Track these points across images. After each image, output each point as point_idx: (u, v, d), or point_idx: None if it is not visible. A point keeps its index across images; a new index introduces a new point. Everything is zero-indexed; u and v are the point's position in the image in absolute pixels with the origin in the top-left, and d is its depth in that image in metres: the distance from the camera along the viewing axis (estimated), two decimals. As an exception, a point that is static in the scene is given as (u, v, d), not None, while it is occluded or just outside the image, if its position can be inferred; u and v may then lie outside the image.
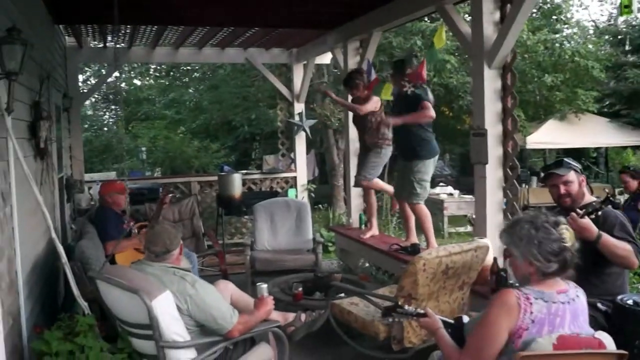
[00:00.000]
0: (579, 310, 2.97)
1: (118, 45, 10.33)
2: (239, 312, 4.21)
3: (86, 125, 27.63)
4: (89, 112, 29.14)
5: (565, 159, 4.44)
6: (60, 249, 4.43)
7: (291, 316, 4.75)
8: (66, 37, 9.62)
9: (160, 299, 3.67)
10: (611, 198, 4.02)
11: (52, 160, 6.25)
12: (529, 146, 17.53)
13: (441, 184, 16.53)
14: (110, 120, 31.57)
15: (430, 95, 6.47)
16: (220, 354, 3.99)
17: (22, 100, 4.91)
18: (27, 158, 5.05)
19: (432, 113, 6.32)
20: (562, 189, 4.26)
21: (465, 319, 3.35)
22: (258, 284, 4.45)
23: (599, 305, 4.02)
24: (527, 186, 15.73)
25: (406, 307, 3.30)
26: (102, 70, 21.14)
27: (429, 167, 6.58)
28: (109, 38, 9.69)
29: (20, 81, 4.63)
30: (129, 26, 8.77)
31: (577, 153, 19.72)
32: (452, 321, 3.37)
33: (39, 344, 3.78)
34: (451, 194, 14.90)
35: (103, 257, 5.38)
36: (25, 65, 3.86)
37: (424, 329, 4.10)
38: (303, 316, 4.76)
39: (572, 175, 4.25)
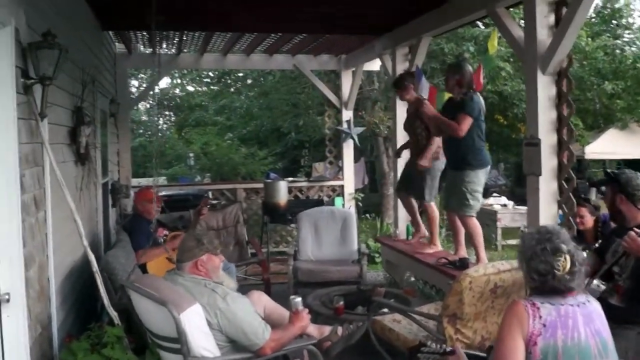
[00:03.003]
0: (593, 314, 2.86)
1: (168, 52, 10.37)
2: (272, 325, 4.08)
3: (141, 130, 27.95)
4: (144, 118, 29.46)
5: (617, 171, 4.20)
6: (92, 256, 4.35)
7: (327, 330, 4.55)
8: (116, 43, 9.67)
9: (189, 312, 3.55)
10: None
11: (93, 165, 6.20)
12: (587, 156, 17.05)
13: (495, 194, 16.17)
14: (164, 125, 31.88)
15: (477, 106, 6.12)
16: (252, 371, 3.84)
17: (62, 105, 4.89)
18: (67, 163, 5.04)
19: (462, 131, 6.02)
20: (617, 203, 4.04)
21: None
22: (292, 297, 4.29)
23: None
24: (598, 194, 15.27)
25: (431, 344, 3.14)
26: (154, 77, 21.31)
27: (481, 177, 6.22)
28: (158, 44, 9.68)
29: (60, 86, 4.62)
30: (177, 33, 8.76)
31: (639, 164, 19.06)
32: (484, 354, 3.28)
33: (66, 354, 3.71)
34: (505, 205, 14.54)
35: (131, 267, 5.27)
36: (59, 70, 3.78)
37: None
38: (340, 330, 4.57)
39: (606, 190, 4.09)
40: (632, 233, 3.67)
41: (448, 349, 3.10)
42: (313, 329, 4.50)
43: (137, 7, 6.24)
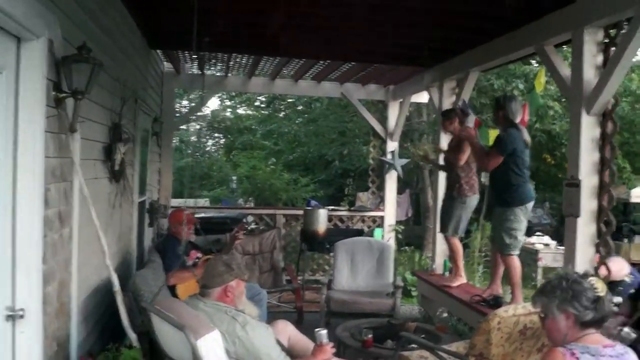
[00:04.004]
0: None
1: (215, 73, 10.44)
2: (295, 356, 4.00)
3: (189, 151, 28.23)
4: (193, 138, 29.76)
5: None
6: (114, 276, 4.30)
7: (351, 365, 4.46)
8: (165, 62, 9.75)
9: (207, 339, 3.47)
10: None
11: (129, 183, 6.20)
12: (633, 200, 16.74)
13: (538, 233, 15.92)
14: (213, 147, 32.15)
15: (513, 143, 5.92)
16: (269, 402, 3.72)
17: (98, 121, 4.88)
18: (100, 180, 5.04)
19: (486, 165, 6.00)
20: None
21: None
22: (317, 330, 4.17)
23: None
24: (629, 241, 14.95)
25: None
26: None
27: (519, 215, 6.00)
28: (206, 65, 9.75)
29: (96, 101, 4.62)
30: (225, 55, 8.80)
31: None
32: None
33: (81, 374, 3.65)
34: (547, 245, 14.32)
35: (157, 288, 5.21)
36: (93, 84, 3.76)
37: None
38: (363, 366, 4.47)
39: None
40: None
41: None
42: (336, 363, 4.38)
43: (183, 27, 6.27)
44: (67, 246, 4.03)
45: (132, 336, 4.22)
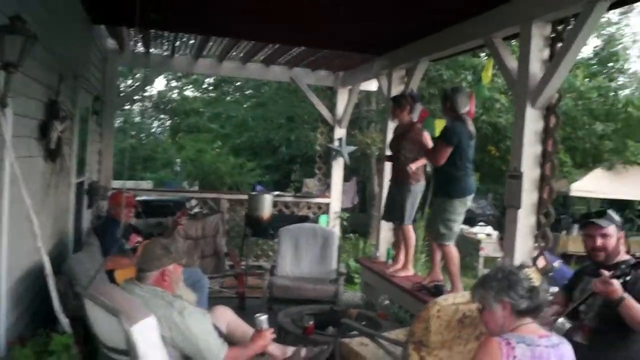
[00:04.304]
0: (565, 357, 2.84)
1: (163, 53, 10.19)
2: (234, 343, 3.92)
3: (133, 132, 27.77)
4: (138, 119, 29.28)
5: (609, 211, 4.12)
6: (45, 259, 4.14)
7: (290, 351, 4.38)
8: (109, 39, 9.47)
9: (142, 325, 3.35)
10: None
11: (66, 163, 5.99)
12: (573, 193, 17.37)
13: (481, 223, 16.18)
14: (158, 129, 31.70)
15: (458, 135, 5.98)
16: (207, 389, 3.63)
17: (33, 97, 4.68)
18: (34, 158, 4.84)
19: (438, 160, 6.00)
20: (599, 242, 3.97)
21: None
22: (257, 315, 4.10)
23: None
24: (567, 233, 15.30)
25: None
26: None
27: (458, 207, 6.12)
28: (152, 44, 9.51)
29: (31, 75, 4.42)
30: (171, 33, 8.59)
31: (622, 205, 19.28)
32: None
33: (8, 360, 3.50)
34: (489, 235, 14.56)
35: (94, 272, 5.05)
36: (26, 57, 3.59)
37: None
38: (303, 351, 4.39)
39: (611, 229, 3.96)
40: (605, 275, 3.62)
41: None
42: (276, 349, 4.33)
43: (127, 3, 6.06)
44: (-4, 227, 3.85)
45: (64, 321, 4.07)
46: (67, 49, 5.87)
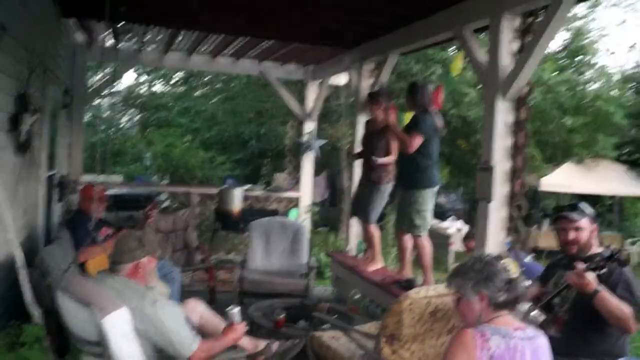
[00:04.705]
0: (540, 350, 2.85)
1: (130, 46, 10.12)
2: (206, 336, 3.93)
3: (103, 127, 27.47)
4: (106, 113, 28.97)
5: (581, 204, 4.15)
6: (17, 252, 4.13)
7: (262, 344, 4.40)
8: (78, 33, 9.39)
9: (114, 316, 3.37)
10: (616, 255, 3.70)
11: (36, 156, 5.95)
12: (543, 188, 17.28)
13: (452, 217, 16.22)
14: (128, 124, 31.41)
15: (428, 126, 6.12)
16: (179, 381, 3.64)
17: (2, 89, 4.64)
18: (3, 151, 4.80)
19: (411, 147, 6.04)
20: (571, 235, 4.00)
21: None
22: (228, 308, 4.11)
23: None
24: (538, 228, 15.35)
25: None
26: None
27: (427, 197, 6.23)
28: (121, 37, 9.44)
29: (1, 68, 4.38)
30: (140, 26, 8.54)
31: (591, 199, 19.30)
32: None
33: (-22, 352, 3.48)
34: (460, 229, 14.57)
35: (67, 265, 5.03)
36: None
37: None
38: (275, 345, 4.41)
39: (584, 222, 3.99)
40: (579, 268, 3.65)
41: None
42: (247, 342, 4.34)
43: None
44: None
45: (36, 313, 4.06)
46: (37, 41, 5.81)
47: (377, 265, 7.31)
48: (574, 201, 4.64)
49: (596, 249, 4.01)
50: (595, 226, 4.04)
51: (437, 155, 6.31)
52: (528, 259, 6.02)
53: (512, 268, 2.93)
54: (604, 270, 3.67)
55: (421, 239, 6.31)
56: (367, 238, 7.44)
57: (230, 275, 8.35)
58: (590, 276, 3.60)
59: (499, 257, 3.00)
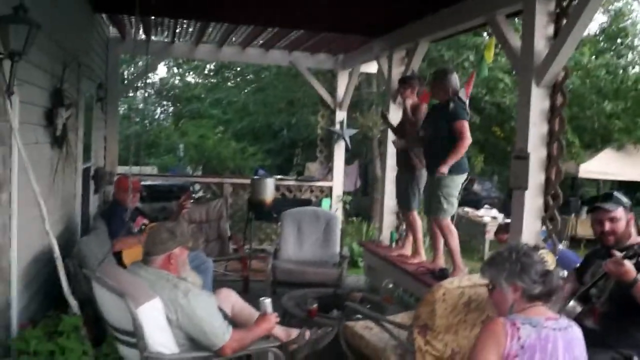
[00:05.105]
0: (574, 341, 2.79)
1: (162, 39, 10.23)
2: (239, 325, 3.97)
3: (137, 119, 27.73)
4: (141, 106, 29.23)
5: (616, 193, 4.07)
6: (54, 242, 4.22)
7: (295, 333, 4.43)
8: (110, 27, 9.52)
9: (147, 307, 3.42)
10: None
11: (72, 149, 6.06)
12: (581, 175, 16.87)
13: (486, 206, 16.06)
14: (161, 115, 31.71)
15: (467, 112, 6.11)
16: (212, 370, 3.70)
17: (38, 85, 4.74)
18: (41, 145, 4.91)
19: (468, 138, 5.97)
20: (607, 226, 3.91)
21: None
22: (261, 298, 4.16)
23: (636, 359, 3.64)
24: (576, 216, 15.08)
25: None
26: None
27: (457, 182, 6.19)
28: (152, 31, 9.54)
29: (36, 64, 4.48)
30: (171, 20, 8.62)
31: (632, 186, 18.94)
32: None
33: (19, 341, 3.56)
34: (495, 218, 14.42)
35: (103, 255, 5.12)
36: (31, 46, 3.64)
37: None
38: (307, 333, 4.44)
39: (619, 212, 3.90)
40: (617, 256, 3.57)
41: None
42: (280, 331, 4.37)
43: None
44: (6, 211, 3.93)
45: (73, 303, 4.15)
46: (70, 37, 5.92)
47: (421, 258, 7.23)
48: (610, 190, 4.55)
49: (635, 238, 3.92)
50: (631, 215, 3.95)
51: None
52: (560, 246, 5.94)
53: (549, 260, 2.91)
54: None
55: (446, 222, 6.25)
56: (408, 227, 7.40)
57: (263, 264, 8.40)
58: (629, 264, 3.51)
59: (536, 248, 2.97)
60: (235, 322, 4.18)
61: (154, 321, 3.44)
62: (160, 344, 3.46)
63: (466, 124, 5.98)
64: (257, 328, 3.94)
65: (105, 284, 3.57)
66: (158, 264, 3.74)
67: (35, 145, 4.65)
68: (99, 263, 4.77)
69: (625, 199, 4.00)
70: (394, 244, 8.03)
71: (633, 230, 3.94)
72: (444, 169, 5.94)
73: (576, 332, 2.85)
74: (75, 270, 4.58)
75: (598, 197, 4.26)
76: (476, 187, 20.15)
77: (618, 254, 3.60)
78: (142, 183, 7.61)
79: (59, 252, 4.27)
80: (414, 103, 6.98)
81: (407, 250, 7.50)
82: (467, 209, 15.34)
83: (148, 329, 3.41)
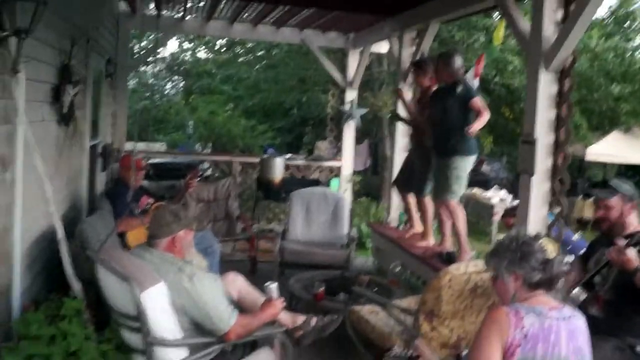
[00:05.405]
0: (577, 331, 2.77)
1: (173, 15, 10.13)
2: (244, 310, 3.93)
3: (147, 94, 27.72)
4: (151, 81, 29.21)
5: (615, 182, 4.08)
6: (58, 224, 4.18)
7: (300, 319, 4.39)
8: (120, 2, 9.43)
9: (152, 291, 3.36)
10: None
11: (80, 126, 6.00)
12: (589, 157, 16.93)
13: (495, 187, 15.99)
14: (171, 90, 31.66)
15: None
16: (216, 355, 3.64)
17: (45, 61, 4.68)
18: (47, 122, 4.87)
19: (487, 111, 5.89)
20: (600, 213, 3.98)
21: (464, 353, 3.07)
22: (267, 283, 4.10)
23: (639, 348, 3.66)
24: (583, 198, 15.03)
25: (395, 349, 3.06)
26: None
27: (467, 164, 6.15)
28: (164, 6, 9.44)
29: (43, 40, 4.41)
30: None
31: (639, 169, 18.97)
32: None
33: (20, 323, 3.53)
34: (503, 200, 14.35)
35: (105, 236, 5.07)
36: (38, 23, 3.57)
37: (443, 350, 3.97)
38: (313, 320, 4.40)
39: (614, 201, 3.94)
40: (620, 244, 3.60)
41: (414, 354, 3.01)
42: (286, 317, 4.33)
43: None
44: (9, 191, 3.88)
45: (76, 286, 4.11)
46: (79, 12, 5.84)
47: (429, 242, 7.16)
48: (610, 177, 4.49)
49: (638, 226, 3.94)
50: (631, 204, 3.94)
51: None
52: (575, 237, 5.89)
53: (550, 248, 2.89)
54: None
55: (454, 204, 6.20)
56: (421, 212, 7.32)
57: (271, 245, 8.37)
58: (631, 253, 3.54)
59: (536, 237, 2.95)
60: (241, 306, 4.14)
61: (159, 306, 3.39)
62: (164, 329, 3.42)
63: (479, 100, 5.95)
64: (262, 314, 3.89)
65: (110, 267, 3.52)
66: (162, 246, 3.69)
67: (41, 123, 4.59)
68: (100, 244, 4.73)
69: (626, 187, 4.00)
70: (402, 226, 7.97)
71: (634, 218, 3.95)
72: (473, 130, 5.82)
73: (579, 321, 2.83)
74: (78, 252, 4.53)
75: (598, 183, 4.27)
76: (485, 167, 20.13)
77: (621, 242, 3.62)
78: (151, 161, 7.58)
79: (63, 234, 4.23)
80: (427, 85, 6.90)
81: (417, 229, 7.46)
82: (475, 190, 15.30)
83: (152, 314, 3.36)
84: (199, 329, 3.58)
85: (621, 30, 19.28)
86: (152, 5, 9.54)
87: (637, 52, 18.49)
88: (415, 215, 7.45)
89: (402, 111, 7.74)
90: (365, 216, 11.48)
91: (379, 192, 15.45)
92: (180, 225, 3.75)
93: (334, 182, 10.88)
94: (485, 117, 5.84)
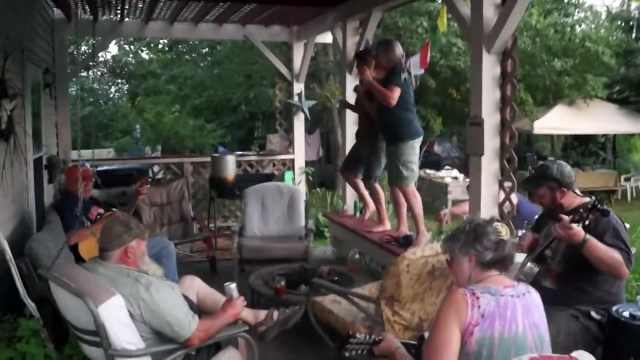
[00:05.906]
0: (532, 306, 2.85)
1: (113, 18, 9.94)
2: (206, 312, 3.90)
3: (91, 99, 27.25)
4: (96, 86, 28.73)
5: (539, 173, 4.19)
6: (4, 244, 4.06)
7: (263, 314, 4.37)
8: (54, 9, 9.20)
9: (109, 305, 3.29)
10: (598, 205, 3.70)
11: (20, 140, 5.84)
12: (536, 131, 17.48)
13: (447, 167, 16.25)
14: (116, 94, 31.20)
15: (404, 77, 6.15)
16: (181, 360, 3.62)
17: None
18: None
19: (393, 99, 6.04)
20: (537, 199, 4.24)
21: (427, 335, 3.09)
22: (226, 284, 4.06)
23: (593, 314, 3.83)
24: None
25: (358, 335, 3.10)
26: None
27: (413, 148, 6.27)
28: (100, 10, 9.25)
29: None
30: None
31: (584, 139, 19.50)
32: (414, 342, 3.28)
33: (-25, 350, 3.44)
34: (456, 178, 14.62)
35: (57, 251, 4.95)
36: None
37: (402, 335, 4.08)
38: (275, 314, 4.39)
39: (542, 191, 4.11)
40: (564, 220, 3.67)
41: (377, 339, 3.06)
42: (248, 314, 4.31)
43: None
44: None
45: (31, 305, 4.01)
46: (11, 23, 5.69)
47: (386, 226, 7.23)
48: (565, 143, 4.55)
49: (581, 199, 4.05)
50: (560, 191, 4.02)
51: (415, 107, 6.44)
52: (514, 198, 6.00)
53: (504, 230, 2.94)
54: (588, 220, 3.69)
55: (410, 189, 6.32)
56: (373, 198, 7.37)
57: (229, 242, 8.32)
58: (576, 227, 3.63)
59: (491, 220, 3.01)
60: (202, 308, 4.11)
61: (117, 318, 3.32)
62: (125, 341, 3.36)
63: (396, 90, 6.05)
64: (223, 315, 3.85)
65: (63, 283, 3.44)
66: (115, 258, 3.62)
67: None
68: (52, 260, 4.61)
69: (552, 173, 4.06)
70: (358, 214, 8.00)
71: (570, 197, 4.05)
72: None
73: (534, 297, 2.90)
74: (29, 270, 4.42)
75: (530, 177, 4.43)
76: (436, 148, 20.42)
77: (566, 218, 3.69)
78: (99, 169, 7.43)
79: (11, 254, 4.11)
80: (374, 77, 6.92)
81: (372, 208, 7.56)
82: (428, 170, 15.54)
83: (111, 327, 3.29)
84: (160, 337, 3.53)
85: (560, 6, 19.67)
86: (87, 10, 9.33)
87: (575, 27, 18.89)
88: (367, 197, 7.52)
89: (351, 99, 7.77)
90: (322, 206, 11.50)
91: (334, 181, 15.49)
92: (131, 236, 3.68)
93: (288, 175, 10.86)
94: (382, 97, 6.08)
